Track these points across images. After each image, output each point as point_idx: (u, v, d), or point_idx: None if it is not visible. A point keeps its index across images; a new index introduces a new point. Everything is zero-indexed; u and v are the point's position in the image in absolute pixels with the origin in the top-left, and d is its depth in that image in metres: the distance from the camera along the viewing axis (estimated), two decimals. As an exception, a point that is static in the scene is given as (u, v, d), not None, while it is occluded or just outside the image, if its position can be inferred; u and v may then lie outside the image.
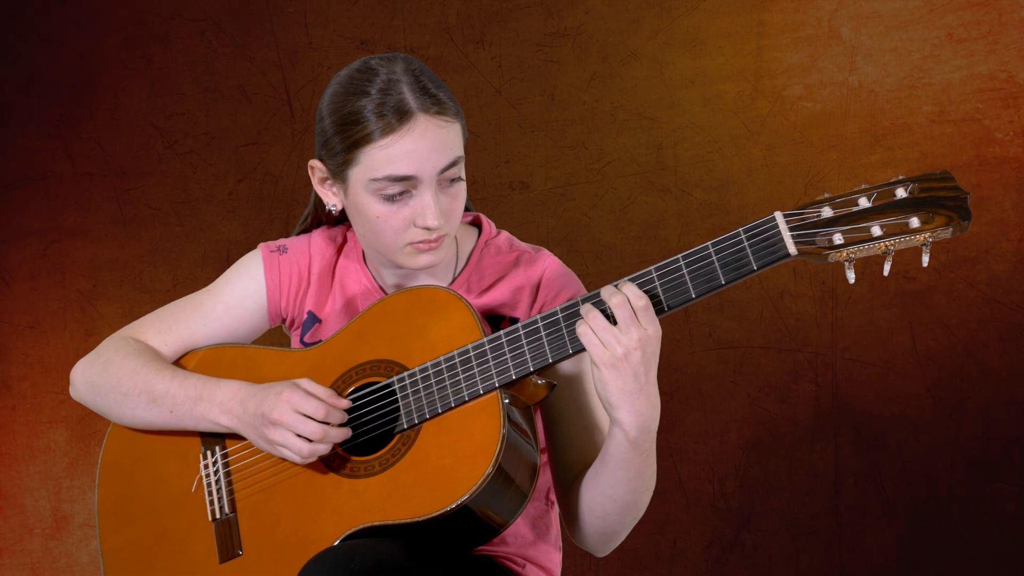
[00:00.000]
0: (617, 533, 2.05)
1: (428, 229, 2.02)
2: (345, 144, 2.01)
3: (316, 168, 2.10)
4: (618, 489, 1.98)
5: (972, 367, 3.49)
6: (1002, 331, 3.48)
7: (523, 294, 2.11)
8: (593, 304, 1.90)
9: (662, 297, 1.89)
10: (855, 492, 3.53)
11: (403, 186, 2.00)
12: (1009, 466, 3.49)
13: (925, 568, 3.51)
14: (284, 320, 2.23)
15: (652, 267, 1.89)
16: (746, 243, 1.84)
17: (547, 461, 2.16)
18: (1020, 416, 3.48)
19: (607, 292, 1.88)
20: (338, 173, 2.05)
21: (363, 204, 2.03)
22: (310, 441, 1.96)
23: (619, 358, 1.85)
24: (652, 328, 1.86)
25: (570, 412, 2.06)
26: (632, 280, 1.90)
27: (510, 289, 2.11)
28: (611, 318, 1.88)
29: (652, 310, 1.87)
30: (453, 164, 2.02)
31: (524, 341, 1.94)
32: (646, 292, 1.88)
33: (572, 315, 1.92)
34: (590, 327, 1.87)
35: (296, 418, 1.96)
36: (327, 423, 1.97)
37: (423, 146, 1.99)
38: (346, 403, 2.00)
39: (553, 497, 2.21)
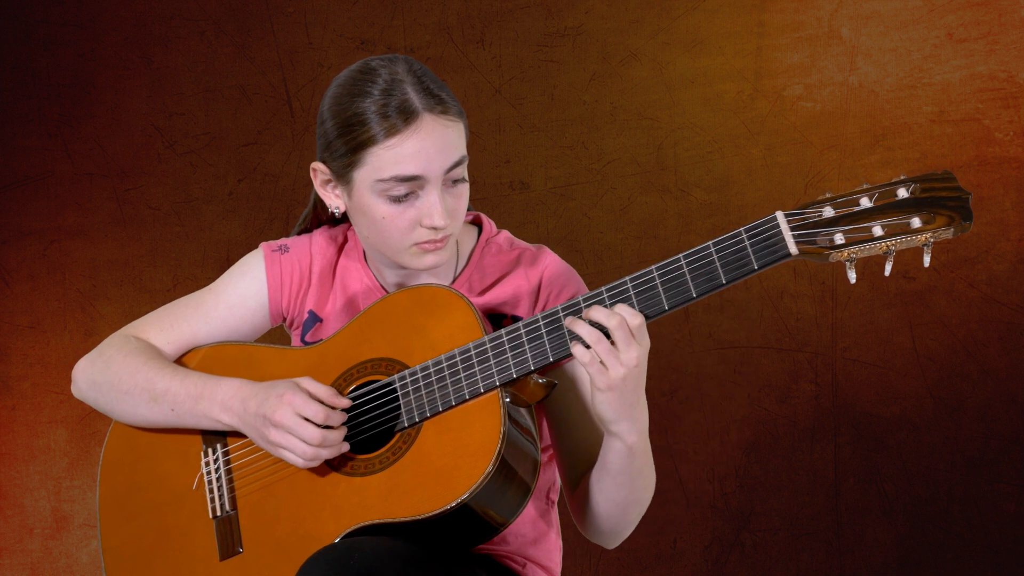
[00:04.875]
0: (625, 530, 2.07)
1: (434, 229, 2.02)
2: (349, 146, 2.01)
3: (318, 171, 2.10)
4: (621, 492, 1.99)
5: (972, 367, 3.49)
6: (1002, 331, 3.48)
7: (525, 292, 2.11)
8: (579, 318, 1.90)
9: (663, 297, 1.89)
10: (855, 492, 3.53)
11: (409, 186, 2.00)
12: (1009, 466, 3.49)
13: (925, 568, 3.51)
14: (285, 319, 2.23)
15: (654, 266, 1.89)
16: (747, 242, 1.84)
17: (548, 460, 2.16)
18: (1020, 416, 3.49)
19: (600, 314, 1.88)
20: (342, 175, 2.05)
21: (368, 205, 2.03)
22: (309, 444, 1.97)
23: (622, 378, 1.87)
24: (646, 342, 1.88)
25: (575, 411, 2.06)
26: (632, 280, 1.90)
27: (511, 287, 2.12)
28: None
29: (645, 326, 1.88)
30: (458, 163, 2.02)
31: (525, 340, 1.94)
32: (625, 297, 1.89)
33: (573, 314, 1.92)
34: (594, 351, 1.87)
35: (296, 421, 1.96)
36: (327, 426, 1.97)
37: (429, 146, 1.99)
38: (346, 402, 2.00)
39: (554, 496, 2.21)
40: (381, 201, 2.02)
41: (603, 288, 1.91)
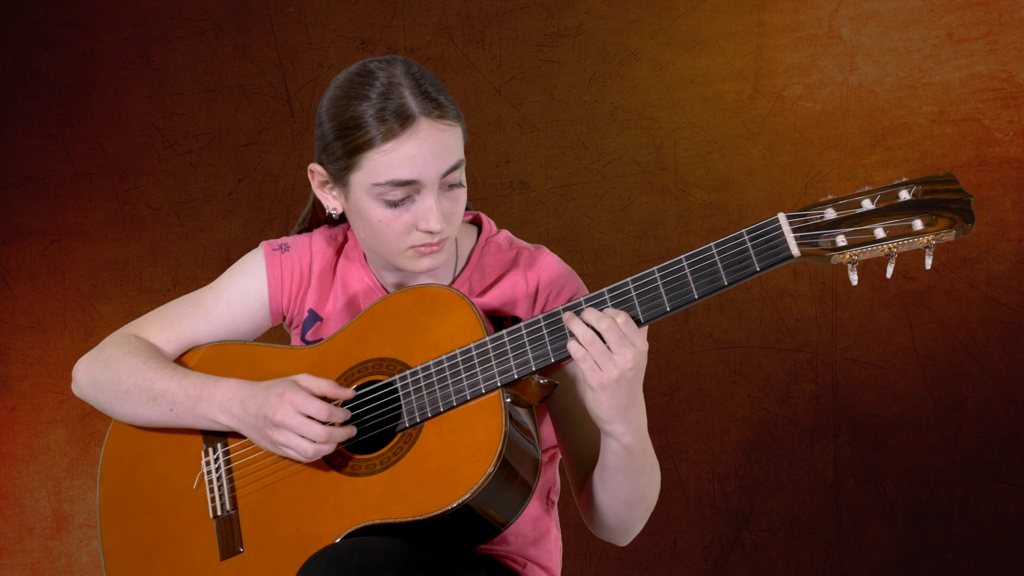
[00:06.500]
0: (633, 526, 2.08)
1: (430, 233, 2.02)
2: (346, 149, 2.01)
3: (316, 172, 2.10)
4: (622, 491, 2.00)
5: (972, 367, 3.49)
6: (1002, 331, 3.48)
7: (522, 295, 2.11)
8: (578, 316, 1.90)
9: (664, 298, 1.89)
10: (855, 492, 3.53)
11: (405, 191, 2.00)
12: (1009, 466, 3.49)
13: (925, 568, 3.51)
14: (285, 318, 2.23)
15: (655, 267, 1.89)
16: (749, 244, 1.84)
17: (549, 460, 2.17)
18: (1020, 416, 3.49)
19: (592, 316, 1.89)
20: (339, 178, 2.05)
21: (365, 208, 2.03)
22: (314, 442, 1.97)
23: (615, 379, 1.87)
24: (640, 342, 1.88)
25: (578, 410, 2.06)
26: (633, 281, 1.90)
27: (511, 288, 2.12)
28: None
29: (634, 324, 1.88)
30: (455, 168, 2.02)
31: (526, 340, 1.94)
32: (626, 300, 1.89)
33: (574, 314, 1.92)
34: (587, 352, 1.88)
35: (299, 420, 1.96)
36: (330, 423, 1.98)
37: (425, 150, 1.99)
38: (350, 392, 2.00)
39: (554, 496, 2.21)
40: (377, 205, 2.02)
41: (604, 289, 1.92)
